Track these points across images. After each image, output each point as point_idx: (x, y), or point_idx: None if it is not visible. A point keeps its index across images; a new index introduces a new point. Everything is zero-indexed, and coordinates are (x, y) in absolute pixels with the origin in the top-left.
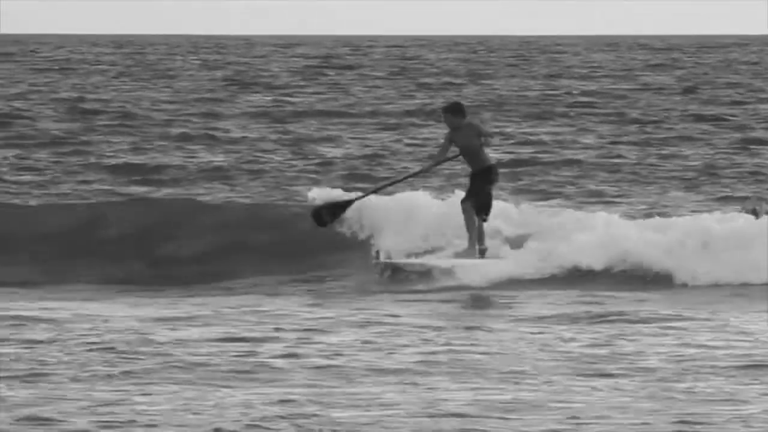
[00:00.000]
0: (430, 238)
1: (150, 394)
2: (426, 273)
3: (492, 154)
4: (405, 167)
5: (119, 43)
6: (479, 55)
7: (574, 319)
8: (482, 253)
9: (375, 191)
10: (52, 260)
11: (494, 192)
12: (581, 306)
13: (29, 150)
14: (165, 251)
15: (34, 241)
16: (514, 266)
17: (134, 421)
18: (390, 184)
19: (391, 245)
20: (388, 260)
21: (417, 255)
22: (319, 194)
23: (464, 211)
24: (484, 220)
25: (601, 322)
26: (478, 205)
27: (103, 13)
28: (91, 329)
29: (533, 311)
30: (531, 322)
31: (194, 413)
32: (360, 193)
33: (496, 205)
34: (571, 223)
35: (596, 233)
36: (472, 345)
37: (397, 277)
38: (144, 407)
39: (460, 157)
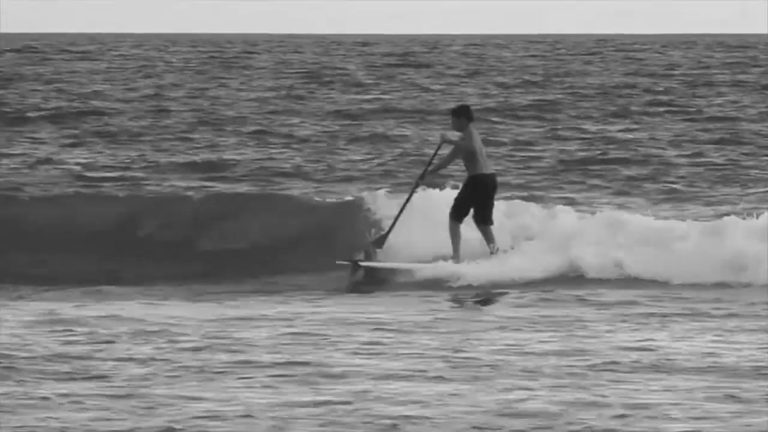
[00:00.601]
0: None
1: (219, 391)
2: (407, 275)
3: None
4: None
5: (198, 41)
6: (556, 53)
7: (644, 316)
8: (494, 252)
9: (399, 214)
10: (105, 257)
11: (492, 197)
12: (639, 305)
13: (109, 147)
14: (216, 246)
15: (85, 236)
16: (499, 269)
17: (218, 416)
18: (407, 201)
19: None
20: (365, 263)
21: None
22: (370, 197)
23: (450, 225)
24: (492, 224)
25: (672, 320)
26: (476, 216)
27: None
28: (167, 328)
29: (596, 310)
30: (597, 320)
31: (263, 410)
32: (390, 224)
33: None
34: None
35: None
36: (542, 343)
37: (374, 278)
38: (212, 405)
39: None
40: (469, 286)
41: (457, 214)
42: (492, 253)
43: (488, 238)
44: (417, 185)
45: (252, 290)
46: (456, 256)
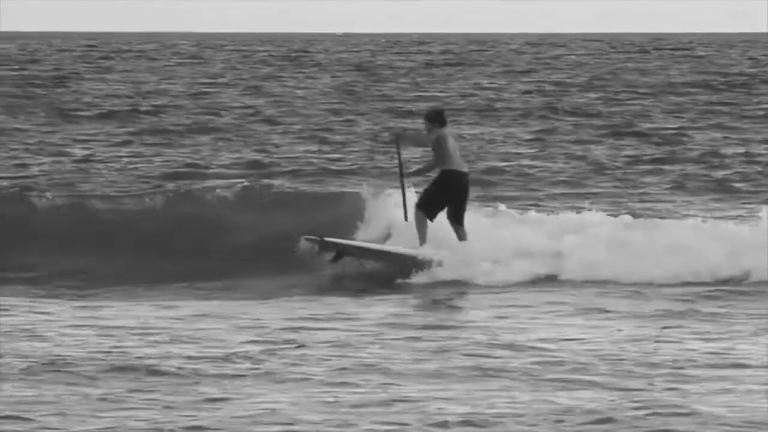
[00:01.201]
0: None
1: (274, 390)
2: (375, 258)
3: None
4: (525, 164)
5: (263, 39)
6: (612, 51)
7: (678, 315)
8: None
9: (406, 214)
10: (152, 256)
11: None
12: (697, 301)
13: (160, 145)
14: (252, 242)
15: (132, 235)
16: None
17: (272, 415)
18: (404, 202)
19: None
20: (331, 239)
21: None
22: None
23: (416, 214)
24: (460, 224)
25: (734, 319)
26: (449, 214)
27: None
28: (244, 329)
29: (626, 308)
30: (652, 317)
31: (318, 411)
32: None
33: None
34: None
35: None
36: (596, 340)
37: (343, 262)
38: (266, 404)
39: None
40: (505, 283)
41: (427, 209)
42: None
43: (460, 235)
44: (404, 185)
45: (291, 285)
46: (422, 239)
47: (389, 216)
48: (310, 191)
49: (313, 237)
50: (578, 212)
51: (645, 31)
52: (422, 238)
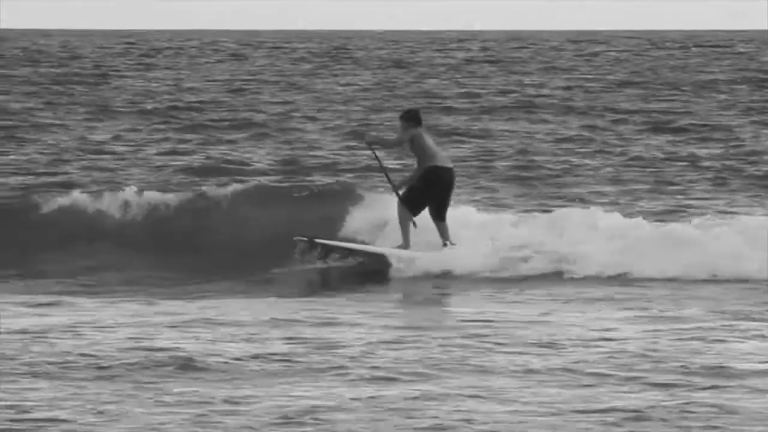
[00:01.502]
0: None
1: (310, 387)
2: (361, 256)
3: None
4: (566, 160)
5: (302, 37)
6: (652, 48)
7: (720, 312)
8: (447, 245)
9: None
10: (180, 255)
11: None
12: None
13: (199, 142)
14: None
15: (152, 234)
16: (452, 259)
17: (309, 412)
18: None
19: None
20: (321, 240)
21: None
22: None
23: (399, 212)
24: (443, 220)
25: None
26: (431, 211)
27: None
28: (257, 328)
29: (666, 305)
30: (699, 319)
31: (357, 406)
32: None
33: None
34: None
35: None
36: (626, 342)
37: (330, 259)
38: (301, 400)
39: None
40: (543, 276)
41: (411, 206)
42: (445, 245)
43: (443, 232)
44: (396, 189)
45: (318, 282)
46: (405, 243)
47: (387, 212)
48: (310, 186)
49: (303, 237)
50: (607, 211)
51: (643, 29)
52: (405, 235)
